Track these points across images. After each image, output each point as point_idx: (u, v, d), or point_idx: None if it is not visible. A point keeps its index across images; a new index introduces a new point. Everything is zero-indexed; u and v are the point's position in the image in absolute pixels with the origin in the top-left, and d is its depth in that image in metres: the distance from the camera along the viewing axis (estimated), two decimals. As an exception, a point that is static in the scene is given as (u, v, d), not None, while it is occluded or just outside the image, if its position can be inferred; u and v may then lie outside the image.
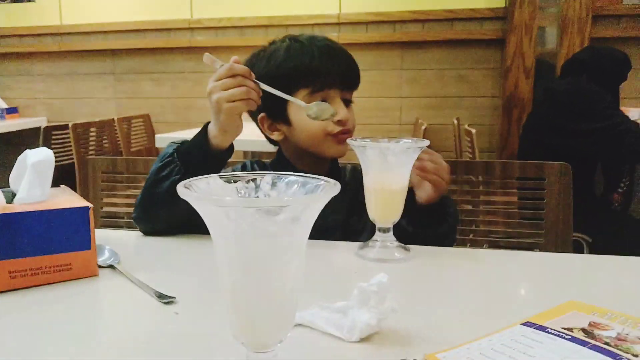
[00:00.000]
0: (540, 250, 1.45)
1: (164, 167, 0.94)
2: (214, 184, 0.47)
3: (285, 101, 1.00)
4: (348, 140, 0.90)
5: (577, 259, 0.94)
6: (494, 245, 1.55)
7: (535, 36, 3.05)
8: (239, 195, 0.48)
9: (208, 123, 0.96)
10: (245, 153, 2.49)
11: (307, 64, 1.02)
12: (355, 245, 0.92)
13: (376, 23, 3.26)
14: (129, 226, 1.60)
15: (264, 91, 0.98)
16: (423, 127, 2.73)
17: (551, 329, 0.59)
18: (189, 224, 0.96)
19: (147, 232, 1.00)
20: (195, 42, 3.51)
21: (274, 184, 0.48)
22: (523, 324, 0.61)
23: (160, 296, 0.68)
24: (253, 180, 0.49)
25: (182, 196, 0.41)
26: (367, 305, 0.58)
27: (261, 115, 1.09)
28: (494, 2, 3.11)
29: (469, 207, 1.58)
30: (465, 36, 3.16)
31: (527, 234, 1.52)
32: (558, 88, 2.31)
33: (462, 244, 1.54)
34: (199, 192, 0.44)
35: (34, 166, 0.78)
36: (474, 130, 2.47)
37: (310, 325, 0.60)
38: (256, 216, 0.39)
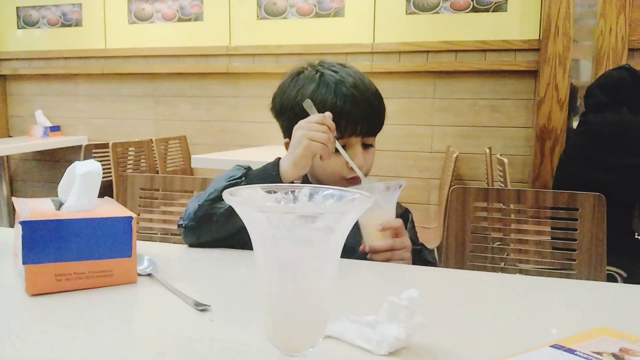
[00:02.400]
0: (573, 282, 1.44)
1: (230, 187, 0.97)
2: (256, 193, 0.49)
3: None
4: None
5: (610, 287, 0.93)
6: (525, 274, 1.53)
7: (569, 68, 3.04)
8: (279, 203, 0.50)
9: (279, 159, 1.03)
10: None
11: (329, 111, 1.04)
12: (380, 265, 0.94)
13: (409, 53, 3.30)
14: (163, 241, 1.64)
15: (289, 117, 1.09)
16: (454, 155, 2.73)
17: (580, 352, 0.60)
18: (232, 243, 1.00)
19: (191, 243, 1.03)
20: (232, 67, 3.61)
21: (311, 196, 0.51)
22: (552, 346, 0.61)
23: (196, 304, 0.70)
24: (292, 192, 0.51)
25: (227, 201, 0.44)
26: (397, 320, 0.59)
27: (286, 140, 1.15)
28: (527, 34, 3.12)
29: (500, 235, 1.57)
30: (498, 67, 3.17)
31: (559, 264, 1.50)
32: (597, 120, 2.29)
33: (493, 272, 1.53)
34: (244, 197, 0.47)
35: (83, 177, 0.82)
36: (506, 160, 2.46)
37: (339, 337, 0.61)
38: (295, 222, 0.42)
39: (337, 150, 1.04)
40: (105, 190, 3.03)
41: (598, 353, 0.59)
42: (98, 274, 0.77)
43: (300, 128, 0.98)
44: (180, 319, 0.69)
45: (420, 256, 1.10)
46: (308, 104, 1.02)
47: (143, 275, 0.83)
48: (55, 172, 4.07)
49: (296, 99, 1.09)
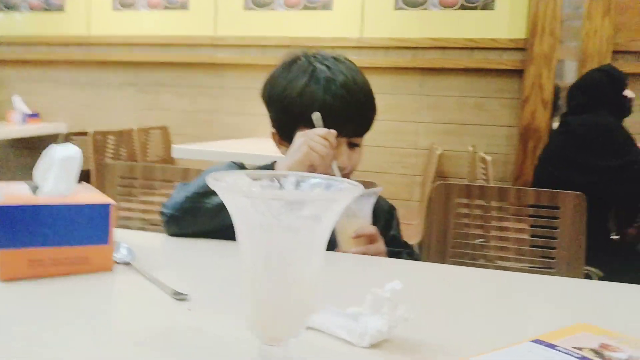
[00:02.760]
0: (552, 279, 1.45)
1: None
2: (240, 179, 0.48)
3: (295, 126, 1.05)
4: None
5: (590, 284, 0.93)
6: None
7: (554, 68, 3.07)
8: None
9: (274, 162, 1.05)
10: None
11: (317, 109, 1.03)
12: (363, 257, 0.94)
13: (396, 48, 3.30)
14: (142, 230, 1.62)
15: (277, 109, 1.10)
16: (437, 153, 2.74)
17: (561, 347, 0.59)
18: (214, 237, 0.98)
19: (172, 234, 1.01)
20: (217, 58, 3.57)
21: (297, 184, 0.49)
22: (533, 341, 0.61)
23: (174, 293, 0.69)
24: (277, 179, 0.50)
25: (211, 186, 0.42)
26: (380, 312, 0.58)
27: (272, 131, 1.15)
28: (514, 33, 3.14)
29: (481, 232, 1.58)
30: (485, 65, 3.19)
31: (539, 262, 1.51)
32: (577, 121, 2.32)
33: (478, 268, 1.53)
34: (229, 183, 0.46)
35: (62, 161, 0.80)
36: (489, 158, 2.47)
37: (321, 329, 0.60)
38: (282, 209, 0.40)
39: None
40: (83, 178, 2.98)
41: (578, 348, 0.59)
42: (73, 260, 0.75)
43: (303, 136, 0.99)
44: (158, 308, 0.67)
45: (400, 259, 1.09)
46: (316, 117, 1.01)
47: (120, 264, 0.81)
48: (33, 159, 3.94)
49: (285, 91, 1.07)
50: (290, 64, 1.11)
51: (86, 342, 0.57)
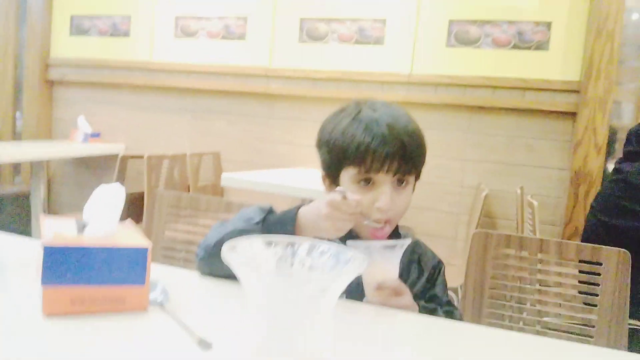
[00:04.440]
0: (594, 337, 1.40)
1: (247, 232, 0.97)
2: (255, 246, 0.51)
3: (339, 170, 1.09)
4: (347, 242, 0.97)
5: (624, 356, 0.90)
6: (545, 327, 1.50)
7: (609, 111, 2.98)
8: (277, 258, 0.52)
9: (299, 207, 1.03)
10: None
11: (356, 146, 1.04)
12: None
13: (446, 85, 3.30)
14: (185, 260, 1.68)
15: (322, 153, 1.12)
16: (484, 193, 2.70)
17: None
18: None
19: (204, 274, 1.05)
20: (270, 89, 3.67)
21: (310, 251, 0.52)
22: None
23: (200, 342, 0.72)
24: (291, 245, 0.53)
25: (224, 258, 0.46)
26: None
27: (322, 172, 1.17)
28: (568, 75, 3.08)
29: (520, 284, 1.55)
30: (536, 106, 3.14)
31: (579, 319, 1.47)
32: (631, 169, 2.24)
33: (516, 322, 1.50)
34: (242, 253, 0.49)
35: (106, 202, 0.86)
36: (536, 202, 2.42)
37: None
38: (286, 285, 0.43)
39: (364, 185, 1.06)
40: (137, 201, 3.12)
41: None
42: (111, 299, 0.80)
43: (329, 220, 0.96)
44: (181, 356, 0.70)
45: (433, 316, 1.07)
46: (340, 192, 0.98)
47: (154, 304, 0.85)
48: (92, 177, 4.20)
49: (331, 134, 1.10)
50: (340, 111, 1.14)
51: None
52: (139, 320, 0.80)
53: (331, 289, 0.45)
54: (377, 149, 1.03)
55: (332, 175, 1.12)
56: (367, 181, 1.06)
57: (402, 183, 1.08)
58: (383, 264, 0.98)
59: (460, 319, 1.15)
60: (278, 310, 0.44)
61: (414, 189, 1.15)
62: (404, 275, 1.10)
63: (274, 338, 0.45)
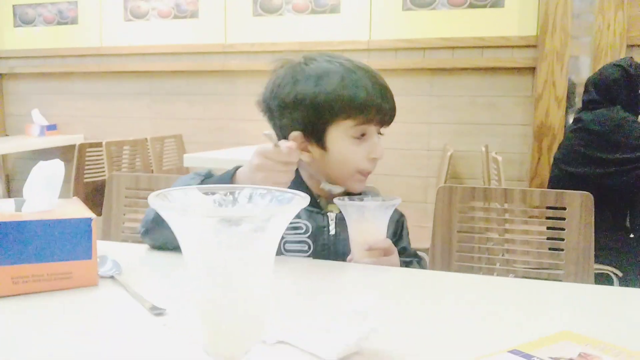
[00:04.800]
0: (562, 280, 1.42)
1: None
2: (191, 194, 0.48)
3: (327, 125, 1.02)
4: (335, 200, 0.97)
5: (589, 289, 0.91)
6: (515, 275, 1.51)
7: (567, 64, 3.01)
8: (216, 205, 0.49)
9: (238, 168, 0.97)
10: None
11: (361, 99, 1.01)
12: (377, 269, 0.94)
13: (405, 50, 3.28)
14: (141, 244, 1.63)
15: (304, 109, 1.03)
16: (449, 153, 2.71)
17: (537, 358, 0.58)
18: None
19: (153, 248, 1.02)
20: (228, 65, 3.60)
21: (251, 197, 0.49)
22: (510, 352, 0.59)
23: (152, 308, 0.69)
24: (232, 193, 0.49)
25: (150, 204, 0.42)
26: (348, 325, 0.58)
27: (296, 133, 1.04)
28: (525, 30, 3.09)
29: (487, 235, 1.55)
30: (496, 64, 3.14)
31: (547, 264, 1.48)
32: (590, 117, 2.27)
33: (489, 273, 1.50)
34: (174, 202, 0.45)
35: (45, 177, 0.81)
36: (500, 158, 2.43)
37: (291, 343, 0.59)
38: (218, 226, 0.40)
39: (359, 137, 1.03)
40: (99, 190, 3.03)
41: (556, 358, 0.57)
42: (57, 276, 0.76)
43: (262, 170, 0.91)
44: (134, 324, 0.67)
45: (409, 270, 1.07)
46: (268, 136, 0.94)
47: (105, 278, 0.81)
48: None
49: (317, 87, 1.01)
50: (306, 63, 1.06)
51: (61, 357, 0.57)
52: (89, 294, 0.76)
53: (268, 230, 0.41)
54: (382, 102, 1.03)
55: (315, 132, 1.04)
56: (361, 135, 1.03)
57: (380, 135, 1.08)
58: (375, 223, 0.95)
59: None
60: (213, 256, 0.41)
61: None
62: None
63: (212, 286, 0.42)
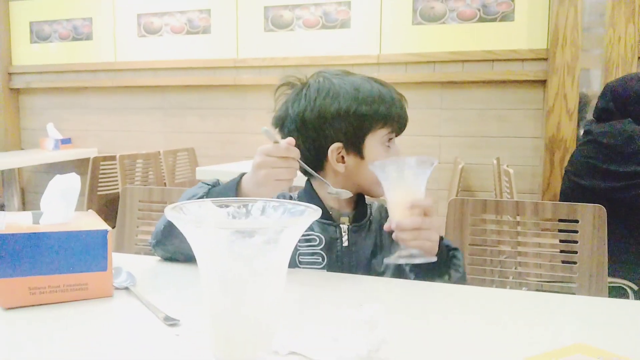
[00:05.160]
0: (576, 294, 1.40)
1: None
2: (205, 207, 0.49)
3: (366, 133, 1.07)
4: (370, 165, 0.97)
5: (604, 302, 0.90)
6: (529, 288, 1.50)
7: (577, 77, 3.01)
8: (229, 218, 0.50)
9: (242, 176, 0.98)
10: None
11: (395, 108, 1.07)
12: (387, 280, 0.94)
13: (415, 63, 3.29)
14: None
15: (346, 120, 1.06)
16: (460, 166, 2.70)
17: (550, 370, 0.58)
18: None
19: (165, 259, 1.03)
20: (240, 80, 3.63)
21: (264, 210, 0.50)
22: (522, 364, 0.59)
23: (166, 318, 0.70)
24: (244, 205, 0.51)
25: (167, 217, 0.43)
26: (358, 335, 0.58)
27: (337, 144, 1.07)
28: (535, 43, 3.09)
29: (499, 247, 1.55)
30: (506, 77, 3.15)
31: (560, 277, 1.47)
32: (600, 129, 2.26)
33: (502, 286, 1.50)
34: (189, 214, 0.46)
35: (61, 190, 0.82)
36: (511, 170, 2.43)
37: (303, 354, 0.60)
38: (232, 238, 0.41)
39: (389, 144, 1.08)
40: (112, 203, 3.06)
41: (569, 371, 0.57)
42: (73, 287, 0.77)
43: (263, 167, 0.92)
44: (148, 334, 0.68)
45: (441, 243, 1.02)
46: (266, 133, 0.95)
47: (120, 289, 0.83)
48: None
49: (357, 100, 1.05)
50: (320, 81, 1.09)
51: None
52: (104, 305, 0.78)
53: (281, 241, 0.42)
54: (401, 110, 1.10)
55: (355, 142, 1.07)
56: (389, 141, 1.10)
57: None
58: (415, 182, 0.93)
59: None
60: (225, 266, 0.42)
61: None
62: (378, 239, 1.10)
63: (224, 296, 0.43)
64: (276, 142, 0.93)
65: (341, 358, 0.57)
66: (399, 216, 0.93)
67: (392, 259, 0.94)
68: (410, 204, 0.93)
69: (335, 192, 1.04)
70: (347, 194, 1.04)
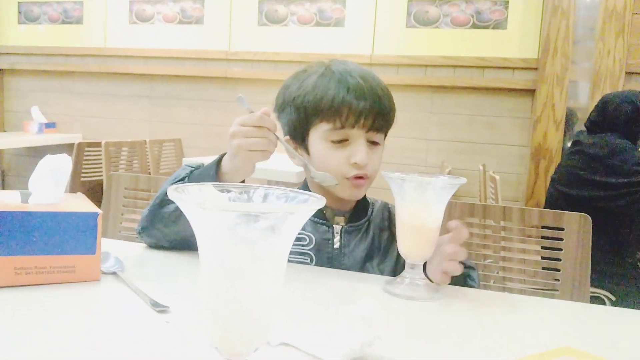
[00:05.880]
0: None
1: None
2: (206, 191, 0.48)
3: (307, 129, 1.00)
4: (384, 173, 0.88)
5: (587, 308, 0.91)
6: (510, 293, 1.52)
7: (566, 88, 3.04)
8: (231, 201, 0.49)
9: (223, 155, 0.96)
10: (268, 182, 2.52)
11: (330, 100, 0.97)
12: (382, 279, 0.91)
13: (407, 66, 3.31)
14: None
15: (288, 112, 1.02)
16: (447, 171, 2.72)
17: (539, 371, 0.58)
18: (190, 245, 0.97)
19: (151, 246, 1.01)
20: (231, 72, 3.61)
21: (265, 197, 0.49)
22: (511, 364, 0.60)
23: (154, 304, 0.69)
24: (246, 192, 0.50)
25: (170, 197, 0.43)
26: (352, 330, 0.58)
27: (286, 137, 1.06)
28: (526, 53, 3.13)
29: (485, 252, 1.56)
30: (496, 84, 3.17)
31: (543, 284, 1.49)
32: (588, 140, 2.29)
33: (481, 289, 1.50)
34: (189, 196, 0.46)
35: (51, 171, 0.81)
36: (498, 177, 2.45)
37: (294, 345, 0.60)
38: (237, 221, 0.40)
39: (337, 142, 0.98)
40: (95, 190, 3.02)
41: (557, 373, 0.58)
42: (60, 269, 0.76)
43: (236, 136, 0.89)
44: (137, 320, 0.67)
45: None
46: (240, 100, 0.94)
47: (107, 274, 0.81)
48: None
49: (299, 90, 1.01)
50: (303, 71, 1.06)
51: (60, 352, 0.57)
52: (92, 289, 0.76)
53: (284, 228, 0.42)
54: (353, 102, 0.96)
55: (299, 135, 1.03)
56: (341, 140, 0.99)
57: (374, 144, 1.02)
58: (435, 205, 0.84)
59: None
60: (228, 251, 0.41)
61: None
62: (375, 242, 1.06)
63: (226, 281, 0.42)
64: (251, 111, 0.91)
65: (334, 351, 0.57)
66: (410, 240, 0.87)
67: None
68: (453, 224, 0.86)
69: (318, 178, 0.98)
70: (332, 180, 0.98)
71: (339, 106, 0.97)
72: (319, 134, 1.00)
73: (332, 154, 0.99)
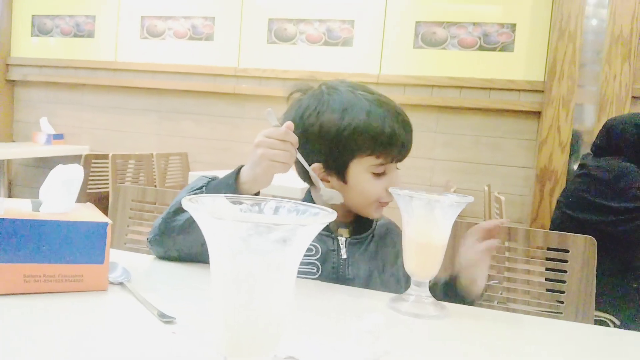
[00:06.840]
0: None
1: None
2: (219, 202, 0.49)
3: (350, 159, 1.01)
4: (391, 189, 0.90)
5: (591, 329, 0.91)
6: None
7: (572, 111, 3.06)
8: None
9: (241, 166, 0.97)
10: (274, 197, 2.53)
11: (386, 137, 0.99)
12: (388, 296, 0.92)
13: (414, 86, 3.33)
14: (149, 254, 1.63)
15: (327, 142, 1.01)
16: (452, 190, 2.72)
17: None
18: (198, 258, 0.98)
19: (160, 256, 1.02)
20: (239, 89, 3.65)
21: (276, 210, 0.50)
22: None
23: (161, 315, 0.69)
24: (257, 204, 0.51)
25: (185, 207, 0.43)
26: (360, 345, 0.58)
27: (317, 164, 1.03)
28: (532, 75, 3.15)
29: (491, 272, 1.55)
30: (502, 106, 3.19)
31: (547, 306, 1.48)
32: (594, 163, 2.29)
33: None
34: (203, 206, 0.46)
35: (63, 180, 0.82)
36: (503, 198, 2.45)
37: (299, 358, 0.60)
38: (250, 232, 0.41)
39: (378, 175, 1.01)
40: (102, 202, 3.04)
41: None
42: (68, 278, 0.76)
43: (260, 146, 0.91)
44: (144, 330, 0.67)
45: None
46: (269, 114, 0.95)
47: (115, 284, 0.82)
48: (55, 179, 4.08)
49: (340, 121, 0.99)
50: (329, 91, 1.04)
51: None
52: (99, 299, 0.77)
53: (296, 240, 0.42)
54: (403, 137, 1.01)
55: (336, 165, 1.02)
56: (382, 171, 1.02)
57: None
58: (442, 222, 0.85)
59: None
60: (240, 261, 0.42)
61: None
62: (379, 254, 1.08)
63: (237, 290, 0.43)
64: (277, 125, 0.94)
65: (340, 365, 0.57)
66: (416, 257, 0.87)
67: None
68: (482, 229, 0.93)
69: (326, 195, 1.00)
70: (339, 199, 1.00)
71: (393, 143, 1.00)
72: (363, 166, 1.01)
73: (373, 184, 1.02)
